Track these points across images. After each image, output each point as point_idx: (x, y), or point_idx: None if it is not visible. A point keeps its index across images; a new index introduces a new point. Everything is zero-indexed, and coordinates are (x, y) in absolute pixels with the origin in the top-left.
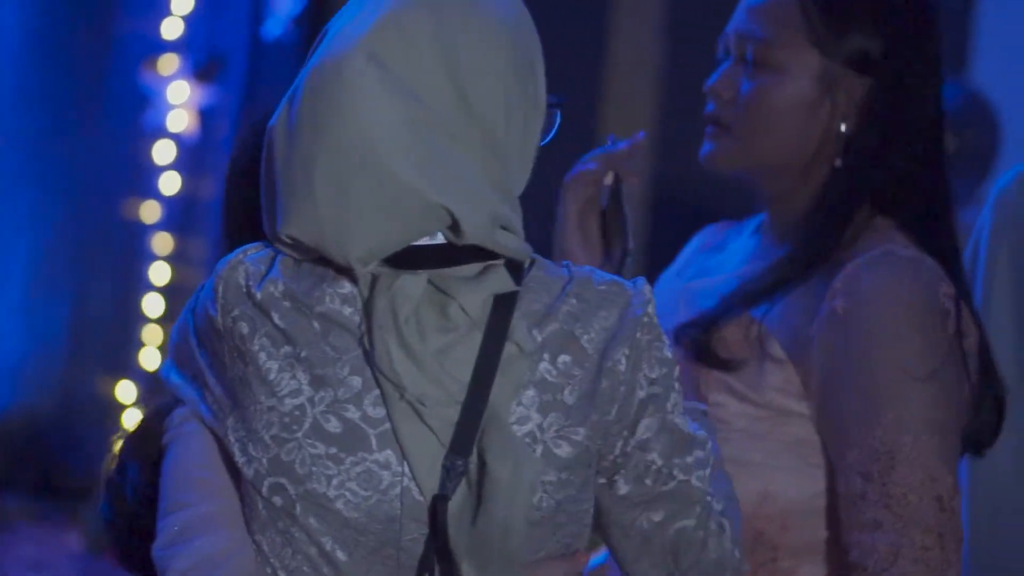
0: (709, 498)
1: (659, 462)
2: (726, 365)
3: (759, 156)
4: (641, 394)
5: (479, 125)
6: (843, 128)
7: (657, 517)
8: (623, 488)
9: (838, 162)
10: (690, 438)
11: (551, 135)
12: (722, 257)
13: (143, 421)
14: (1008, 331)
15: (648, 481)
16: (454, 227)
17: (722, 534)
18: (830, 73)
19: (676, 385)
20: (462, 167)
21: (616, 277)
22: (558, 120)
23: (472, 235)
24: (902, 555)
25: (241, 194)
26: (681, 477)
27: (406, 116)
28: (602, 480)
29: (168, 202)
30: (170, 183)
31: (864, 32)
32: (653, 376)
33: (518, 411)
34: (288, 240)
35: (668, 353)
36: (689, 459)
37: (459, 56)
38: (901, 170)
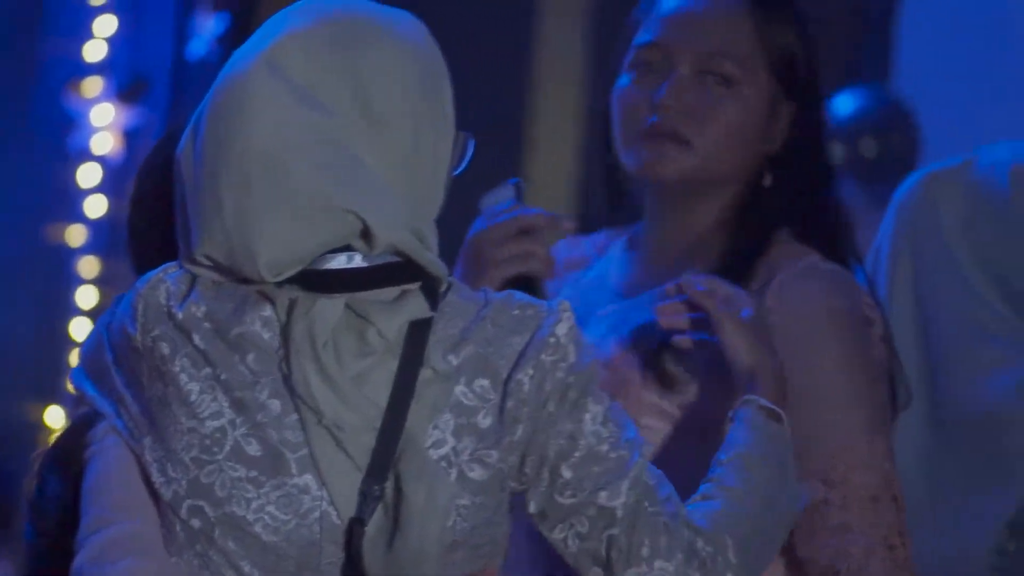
0: (647, 504)
1: (567, 475)
2: (671, 382)
3: (712, 171)
4: (545, 413)
5: (386, 138)
6: (773, 149)
7: (583, 529)
8: (533, 507)
9: (767, 180)
10: (604, 451)
11: (464, 164)
12: (593, 276)
13: (63, 435)
14: (908, 337)
15: (559, 497)
16: (365, 234)
17: (667, 535)
18: (776, 95)
19: (590, 400)
20: (370, 176)
21: (534, 300)
22: (471, 149)
23: (384, 239)
24: (874, 555)
25: (147, 216)
26: (592, 488)
27: (310, 124)
28: (524, 499)
29: (94, 225)
30: (96, 206)
31: (799, 57)
32: (558, 395)
33: (434, 435)
34: (204, 261)
35: (580, 369)
36: (603, 468)
37: (362, 70)
38: (811, 187)
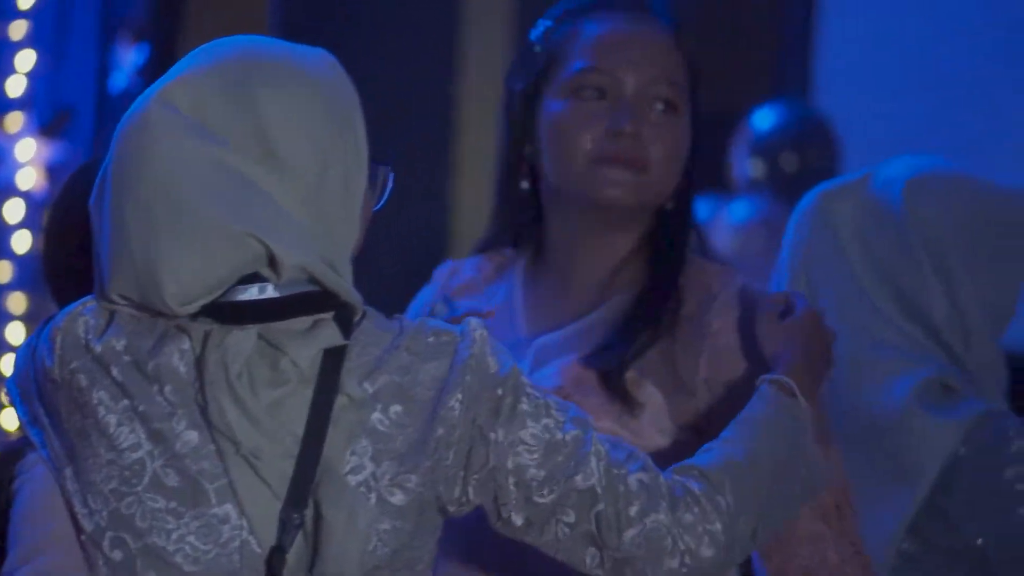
0: (615, 470)
1: (539, 475)
2: (633, 405)
3: (659, 197)
4: (478, 429)
5: (288, 171)
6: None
7: (570, 518)
8: (517, 519)
9: (671, 204)
10: (560, 439)
11: (384, 199)
12: (494, 307)
13: None
14: None
15: (538, 499)
16: (272, 262)
17: (646, 490)
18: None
19: (524, 399)
20: (271, 203)
21: (446, 325)
22: (391, 184)
23: (289, 263)
24: (847, 560)
25: (62, 248)
26: (565, 477)
27: (206, 154)
28: (497, 522)
29: (20, 261)
30: (21, 242)
31: (702, 85)
32: (492, 408)
33: (352, 461)
34: (118, 299)
35: (505, 375)
36: (566, 455)
37: (259, 107)
38: (695, 209)
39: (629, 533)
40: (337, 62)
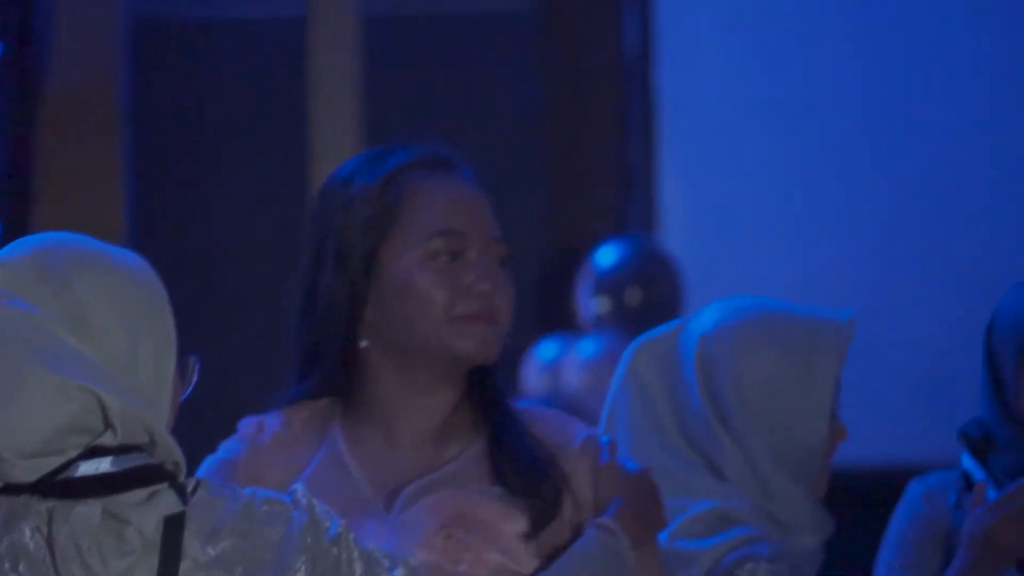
0: None
1: None
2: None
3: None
4: None
5: (102, 342)
6: None
7: None
8: None
9: None
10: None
11: (191, 388)
12: (318, 469)
13: None
14: None
15: None
16: (103, 413)
17: None
18: None
19: (356, 551)
20: (94, 364)
21: (276, 494)
22: (197, 373)
23: (118, 410)
24: None
25: None
26: None
27: (28, 320)
28: None
29: None
30: None
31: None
32: (331, 566)
33: None
34: None
35: (336, 533)
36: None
37: (73, 282)
38: None
39: None
40: (148, 263)
